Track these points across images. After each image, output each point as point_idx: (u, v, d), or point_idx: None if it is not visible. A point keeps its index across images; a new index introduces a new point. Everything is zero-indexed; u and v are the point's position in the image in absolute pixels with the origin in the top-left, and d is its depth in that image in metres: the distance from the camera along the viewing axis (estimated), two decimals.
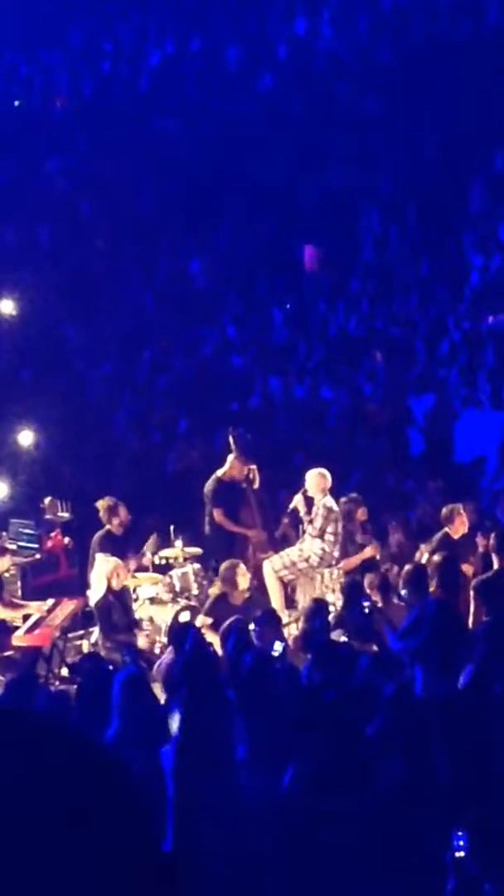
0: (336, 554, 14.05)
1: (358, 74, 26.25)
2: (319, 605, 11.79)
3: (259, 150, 25.46)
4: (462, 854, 5.09)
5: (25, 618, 13.36)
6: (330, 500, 14.10)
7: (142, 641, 13.13)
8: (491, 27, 25.82)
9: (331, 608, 12.28)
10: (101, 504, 14.36)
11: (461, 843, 5.13)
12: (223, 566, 13.28)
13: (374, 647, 10.03)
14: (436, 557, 12.92)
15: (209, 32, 29.05)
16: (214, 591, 13.25)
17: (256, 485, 15.10)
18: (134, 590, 13.90)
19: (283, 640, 10.44)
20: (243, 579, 13.11)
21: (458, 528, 13.53)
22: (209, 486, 14.92)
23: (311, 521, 14.14)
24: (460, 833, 5.14)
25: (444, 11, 26.50)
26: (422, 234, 23.02)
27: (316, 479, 14.15)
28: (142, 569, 14.42)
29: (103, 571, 13.26)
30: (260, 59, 28.17)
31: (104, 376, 21.71)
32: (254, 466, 15.07)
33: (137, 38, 30.33)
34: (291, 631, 12.62)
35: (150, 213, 25.39)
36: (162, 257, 24.72)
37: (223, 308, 23.33)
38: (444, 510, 13.96)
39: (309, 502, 14.24)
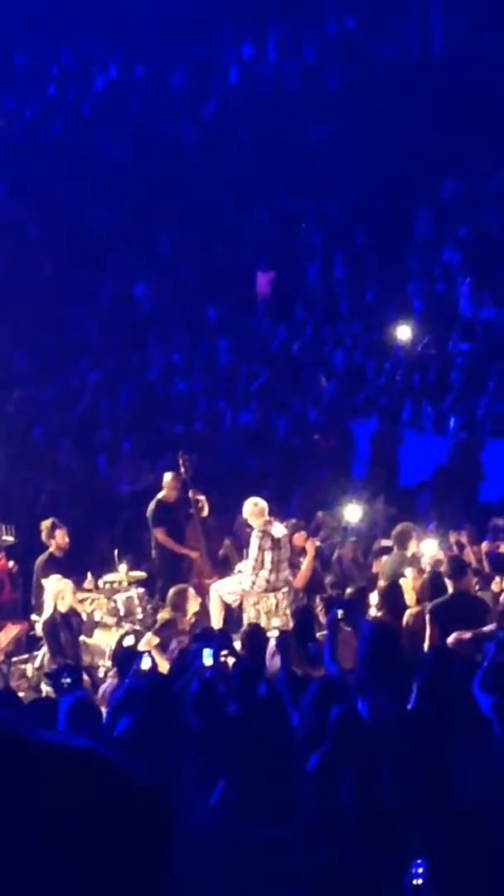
0: (280, 579, 14.00)
1: (305, 100, 26.40)
2: (252, 631, 11.77)
3: (206, 175, 25.55)
4: (419, 882, 5.04)
5: None
6: (265, 528, 13.95)
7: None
8: (438, 54, 26.06)
9: (275, 633, 12.24)
10: (43, 525, 14.44)
11: (420, 870, 5.08)
12: (171, 592, 13.26)
13: (323, 672, 10.03)
14: (381, 581, 12.97)
15: (155, 57, 29.12)
16: (164, 616, 13.21)
17: (205, 513, 15.19)
18: (85, 613, 13.82)
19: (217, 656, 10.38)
20: (194, 602, 13.12)
21: (411, 547, 13.56)
22: (150, 508, 15.12)
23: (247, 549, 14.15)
24: (419, 861, 5.09)
25: (392, 38, 26.73)
26: (368, 259, 23.15)
27: (249, 508, 14.11)
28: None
29: (51, 593, 13.24)
30: (207, 84, 28.27)
31: (49, 399, 21.67)
32: (202, 497, 15.16)
33: (83, 63, 30.36)
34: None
35: (96, 236, 25.39)
36: (107, 281, 24.71)
37: (168, 332, 23.35)
38: (397, 529, 13.94)
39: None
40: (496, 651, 8.61)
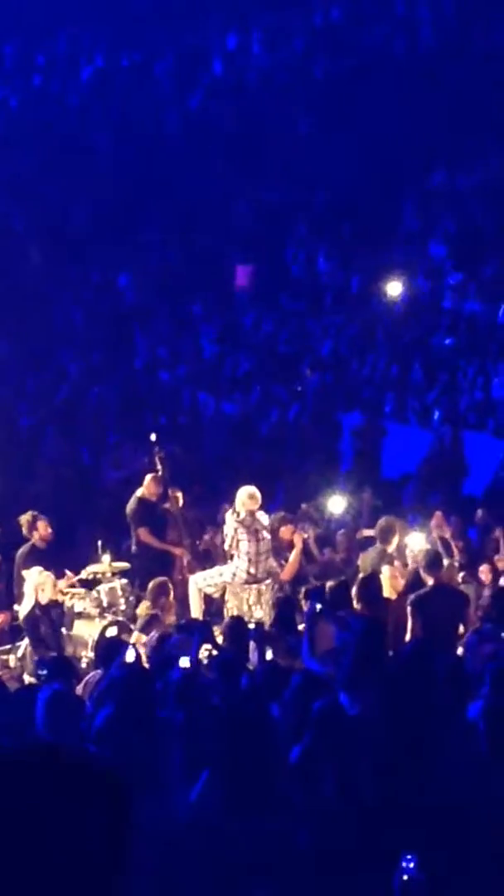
0: (261, 571, 13.95)
1: (291, 92, 26.37)
2: (235, 623, 11.75)
3: (191, 166, 25.51)
4: (409, 877, 5.00)
5: None
6: (242, 518, 13.89)
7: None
8: (425, 46, 26.04)
9: (252, 624, 12.22)
10: (23, 519, 14.42)
11: (411, 865, 5.05)
12: (150, 585, 13.25)
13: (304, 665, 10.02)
14: (360, 574, 12.98)
15: (141, 48, 29.06)
16: (145, 611, 13.18)
17: (180, 504, 15.17)
18: (62, 604, 13.81)
19: (196, 651, 10.36)
20: (172, 595, 13.15)
21: (393, 542, 13.56)
22: (131, 506, 15.05)
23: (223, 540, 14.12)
24: (409, 856, 5.06)
25: (378, 29, 26.70)
26: (354, 251, 23.14)
27: (242, 495, 14.08)
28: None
29: (31, 585, 13.21)
30: (192, 74, 28.23)
31: (34, 389, 21.64)
32: (179, 493, 15.16)
33: (70, 53, 30.28)
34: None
35: (81, 227, 25.34)
36: (92, 271, 24.67)
37: (153, 323, 23.33)
38: (380, 524, 13.92)
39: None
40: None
